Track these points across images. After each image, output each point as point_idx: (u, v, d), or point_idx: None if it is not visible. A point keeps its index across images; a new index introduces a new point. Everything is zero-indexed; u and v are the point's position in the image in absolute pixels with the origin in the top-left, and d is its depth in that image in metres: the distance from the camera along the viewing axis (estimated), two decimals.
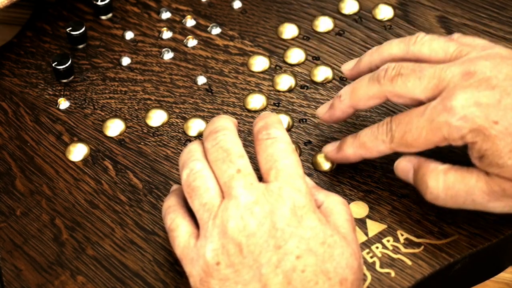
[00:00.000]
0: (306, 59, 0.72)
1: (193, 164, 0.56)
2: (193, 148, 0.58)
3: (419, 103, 0.58)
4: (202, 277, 0.54)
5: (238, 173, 0.55)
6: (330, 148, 0.63)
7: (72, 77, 0.72)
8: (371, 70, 0.62)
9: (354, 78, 0.62)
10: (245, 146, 0.66)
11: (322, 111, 0.63)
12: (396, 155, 0.65)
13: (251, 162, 0.56)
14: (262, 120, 0.58)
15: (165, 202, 0.59)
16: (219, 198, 0.55)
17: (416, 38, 0.60)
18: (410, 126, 0.57)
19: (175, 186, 0.62)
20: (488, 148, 0.54)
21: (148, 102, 0.70)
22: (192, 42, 0.74)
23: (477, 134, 0.54)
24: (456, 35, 0.60)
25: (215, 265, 0.53)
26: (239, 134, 0.66)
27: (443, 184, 0.56)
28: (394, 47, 0.61)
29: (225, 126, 0.57)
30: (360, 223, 0.62)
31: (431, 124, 0.56)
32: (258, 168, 0.56)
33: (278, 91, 0.70)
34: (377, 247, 0.60)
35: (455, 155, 0.61)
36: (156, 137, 0.68)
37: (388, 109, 0.67)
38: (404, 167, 0.60)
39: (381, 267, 0.59)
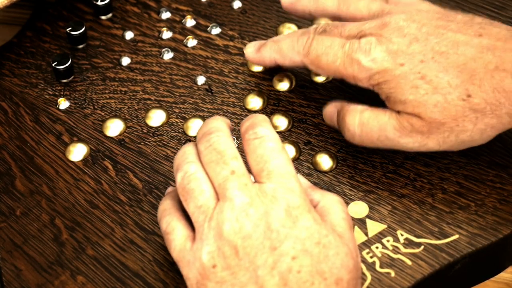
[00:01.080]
0: None
1: (187, 167, 0.56)
2: (187, 150, 0.58)
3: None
4: (198, 280, 0.54)
5: (232, 175, 0.54)
6: (251, 48, 0.68)
7: (72, 77, 0.72)
8: (303, 12, 0.67)
9: (288, 9, 0.68)
10: None
11: (251, 47, 0.68)
12: (394, 153, 0.65)
13: (244, 162, 0.56)
14: (248, 121, 0.58)
15: (160, 205, 0.59)
16: (214, 200, 0.55)
17: None
18: (328, 51, 0.61)
19: (170, 189, 0.62)
20: (392, 87, 0.59)
21: (148, 102, 0.70)
22: (192, 42, 0.74)
23: (383, 76, 0.59)
24: None
25: (211, 267, 0.53)
26: (238, 135, 0.66)
27: (359, 121, 0.61)
28: (328, 2, 0.65)
29: (218, 128, 0.57)
30: (360, 223, 0.62)
31: (347, 57, 0.60)
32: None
33: (278, 91, 0.70)
34: (377, 247, 0.60)
35: None
36: (156, 137, 0.68)
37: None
38: (330, 112, 0.64)
39: (381, 267, 0.59)
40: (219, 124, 0.58)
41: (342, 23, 0.63)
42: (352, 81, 0.61)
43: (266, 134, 0.56)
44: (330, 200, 0.57)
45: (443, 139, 0.59)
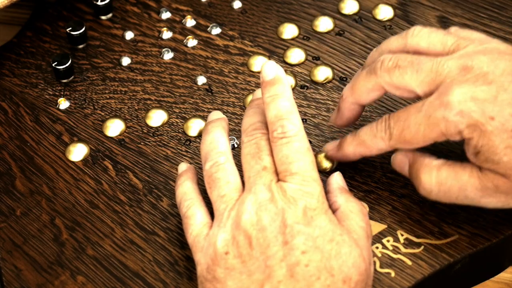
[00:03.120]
0: (306, 59, 0.72)
1: (217, 157, 0.58)
2: (215, 138, 0.59)
3: (416, 96, 0.58)
4: (209, 265, 0.55)
5: (264, 170, 0.56)
6: (331, 146, 0.63)
7: (72, 77, 0.72)
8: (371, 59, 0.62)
9: None
10: None
11: (333, 117, 0.64)
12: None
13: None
14: (275, 105, 0.57)
15: (179, 187, 0.60)
16: (238, 192, 0.56)
17: (414, 31, 0.60)
18: (408, 123, 0.57)
19: (183, 166, 0.62)
20: (484, 144, 0.54)
21: (148, 102, 0.70)
22: (192, 42, 0.74)
23: (474, 130, 0.54)
24: (453, 29, 0.60)
25: (223, 254, 0.54)
26: (238, 135, 0.66)
27: (436, 180, 0.57)
28: (392, 42, 0.61)
29: (263, 125, 0.58)
30: None
31: (429, 120, 0.56)
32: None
33: None
34: (377, 247, 0.60)
35: (454, 154, 0.61)
36: (156, 137, 0.68)
37: (388, 109, 0.67)
38: (400, 161, 0.60)
39: (381, 267, 0.59)
40: (264, 119, 0.58)
41: (416, 57, 0.57)
42: (444, 139, 0.56)
43: (294, 133, 0.56)
44: (351, 207, 0.58)
45: None
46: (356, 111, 0.62)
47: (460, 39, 0.58)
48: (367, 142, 0.60)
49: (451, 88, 0.55)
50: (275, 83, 0.58)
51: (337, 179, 0.61)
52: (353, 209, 0.57)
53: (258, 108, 0.60)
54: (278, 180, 0.56)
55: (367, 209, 0.62)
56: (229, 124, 0.67)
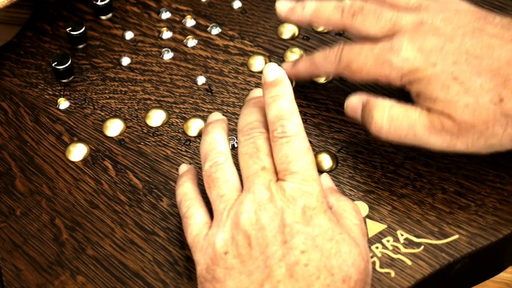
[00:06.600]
0: None
1: (216, 156, 0.58)
2: (215, 138, 0.59)
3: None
4: (208, 265, 0.55)
5: (262, 170, 0.56)
6: (287, 64, 0.67)
7: (72, 77, 0.72)
8: None
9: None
10: None
11: (284, 8, 0.66)
12: (391, 152, 0.65)
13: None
14: (276, 105, 0.58)
15: (179, 187, 0.60)
16: (236, 192, 0.56)
17: None
18: (358, 55, 0.61)
19: (184, 167, 0.63)
20: (423, 85, 0.58)
21: (148, 102, 0.70)
22: (192, 42, 0.74)
23: (414, 74, 0.59)
24: None
25: (223, 254, 0.54)
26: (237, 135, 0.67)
27: (388, 116, 0.60)
28: None
29: (261, 123, 0.59)
30: None
31: (377, 59, 0.60)
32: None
33: None
34: (377, 247, 0.60)
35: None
36: (156, 137, 0.68)
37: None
38: (354, 105, 0.63)
39: (381, 267, 0.59)
40: (262, 118, 0.59)
41: (380, 8, 0.62)
42: (386, 81, 0.60)
43: (295, 133, 0.57)
44: (343, 206, 0.58)
45: (472, 142, 0.58)
46: (302, 23, 0.66)
47: None
48: (317, 62, 0.64)
49: (403, 38, 0.59)
50: (276, 84, 0.59)
51: (325, 180, 0.61)
52: (346, 208, 0.58)
53: (255, 107, 0.60)
54: (278, 179, 0.56)
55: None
56: (229, 124, 0.67)
